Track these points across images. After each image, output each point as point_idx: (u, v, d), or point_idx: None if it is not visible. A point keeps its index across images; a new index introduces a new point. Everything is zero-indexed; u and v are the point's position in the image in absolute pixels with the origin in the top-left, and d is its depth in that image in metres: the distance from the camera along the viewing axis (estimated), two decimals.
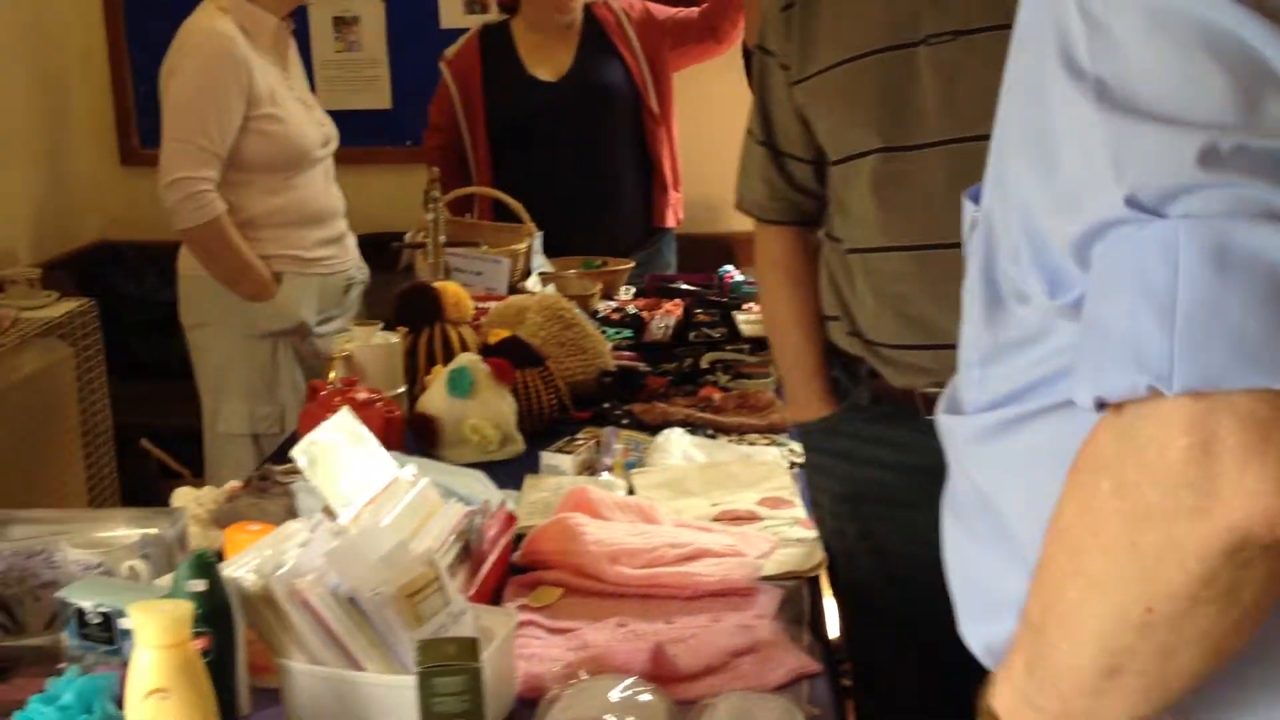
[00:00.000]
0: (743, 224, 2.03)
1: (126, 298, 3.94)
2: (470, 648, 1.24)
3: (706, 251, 3.75)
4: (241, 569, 1.33)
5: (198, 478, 3.20)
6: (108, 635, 1.33)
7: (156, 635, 1.18)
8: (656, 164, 3.44)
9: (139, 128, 4.26)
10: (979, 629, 0.96)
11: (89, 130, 4.27)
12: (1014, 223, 0.85)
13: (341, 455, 1.56)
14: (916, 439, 1.54)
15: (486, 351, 2.25)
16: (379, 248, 4.19)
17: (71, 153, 4.17)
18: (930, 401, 1.24)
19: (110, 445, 3.58)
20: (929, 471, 1.10)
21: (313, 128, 2.95)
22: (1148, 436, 0.72)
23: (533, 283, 3.05)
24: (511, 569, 1.71)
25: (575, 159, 3.33)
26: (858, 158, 1.69)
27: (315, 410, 2.15)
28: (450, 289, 2.46)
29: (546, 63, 3.38)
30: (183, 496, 1.82)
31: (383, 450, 1.64)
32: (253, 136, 2.84)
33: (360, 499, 1.53)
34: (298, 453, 1.50)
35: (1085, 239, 0.76)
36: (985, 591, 0.96)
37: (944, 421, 0.99)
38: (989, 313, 0.90)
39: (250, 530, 1.51)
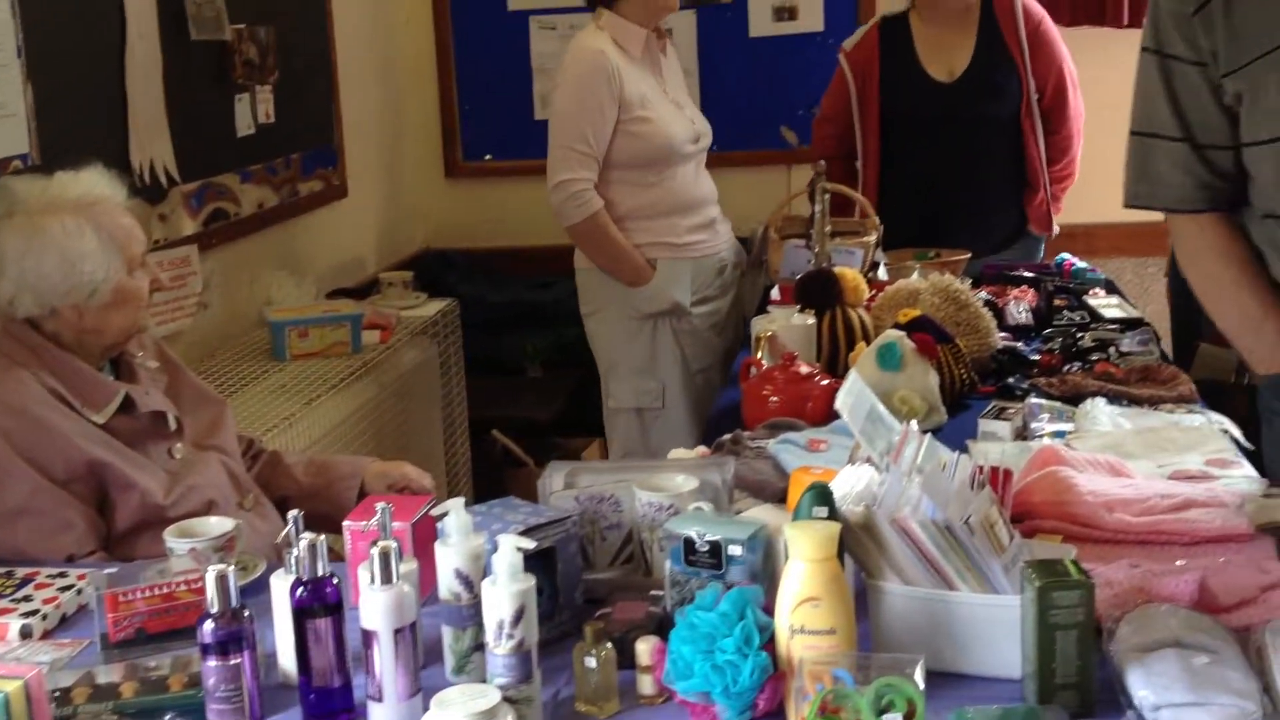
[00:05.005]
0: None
1: (463, 299, 4.21)
2: (1076, 567, 1.38)
3: None
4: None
5: (539, 466, 3.42)
6: (714, 561, 1.51)
7: (811, 550, 1.35)
8: (1031, 168, 3.50)
9: (462, 140, 4.56)
10: None
11: (420, 141, 4.57)
12: None
13: (864, 408, 1.72)
14: None
15: (904, 329, 2.40)
16: None
17: (405, 165, 4.47)
18: None
19: (466, 436, 3.84)
20: None
21: (682, 126, 3.16)
22: None
23: (881, 273, 3.20)
24: None
25: (957, 157, 3.43)
26: None
27: (756, 384, 2.33)
28: (849, 274, 2.62)
29: (942, 61, 3.47)
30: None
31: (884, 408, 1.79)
32: (624, 138, 3.08)
33: (881, 448, 1.69)
34: (841, 402, 1.65)
35: None
36: None
37: None
38: None
39: (814, 472, 1.68)
